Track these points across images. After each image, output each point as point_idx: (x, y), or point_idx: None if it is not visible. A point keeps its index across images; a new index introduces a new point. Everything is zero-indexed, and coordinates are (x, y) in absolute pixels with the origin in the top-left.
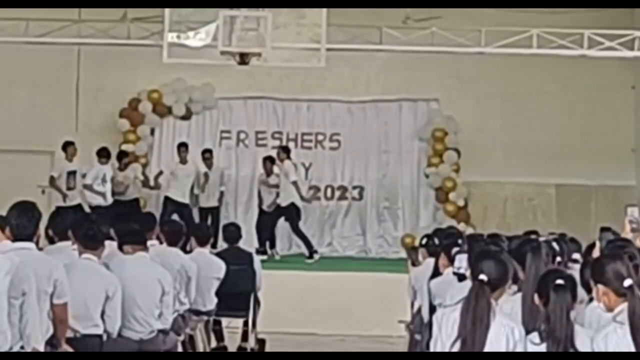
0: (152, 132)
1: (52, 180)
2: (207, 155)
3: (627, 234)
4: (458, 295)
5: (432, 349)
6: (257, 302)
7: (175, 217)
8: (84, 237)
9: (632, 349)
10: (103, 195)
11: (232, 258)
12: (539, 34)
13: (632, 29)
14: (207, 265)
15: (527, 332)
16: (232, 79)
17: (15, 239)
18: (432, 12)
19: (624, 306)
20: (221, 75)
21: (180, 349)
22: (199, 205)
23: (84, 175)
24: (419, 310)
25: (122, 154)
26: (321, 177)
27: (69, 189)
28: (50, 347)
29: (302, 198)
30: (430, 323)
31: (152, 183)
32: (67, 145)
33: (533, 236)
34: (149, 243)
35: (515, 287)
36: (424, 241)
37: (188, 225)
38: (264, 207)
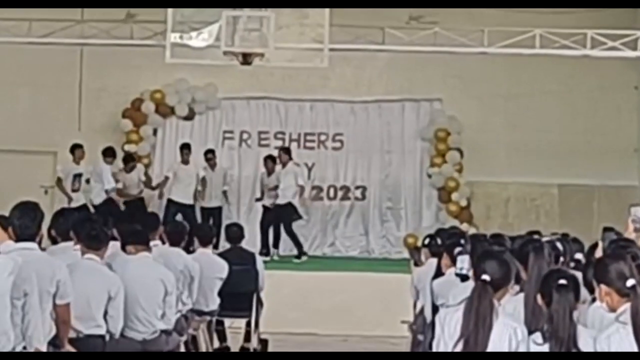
0: (155, 132)
1: (59, 182)
2: (209, 155)
3: (630, 234)
4: (461, 296)
5: (434, 349)
6: (259, 303)
7: (178, 217)
8: (87, 238)
9: (635, 349)
10: (111, 191)
11: (235, 258)
12: (542, 34)
13: (635, 29)
14: (209, 266)
15: (530, 332)
16: (235, 79)
17: (18, 239)
18: (434, 12)
19: (626, 306)
20: (224, 75)
21: (182, 349)
22: (201, 205)
23: (88, 180)
24: (422, 310)
25: (128, 157)
26: (324, 177)
27: (74, 191)
28: (53, 347)
29: (304, 202)
30: (433, 323)
31: (154, 184)
32: (75, 148)
33: (535, 236)
34: (152, 243)
35: (517, 287)
36: (426, 241)
37: (191, 226)
38: (266, 203)
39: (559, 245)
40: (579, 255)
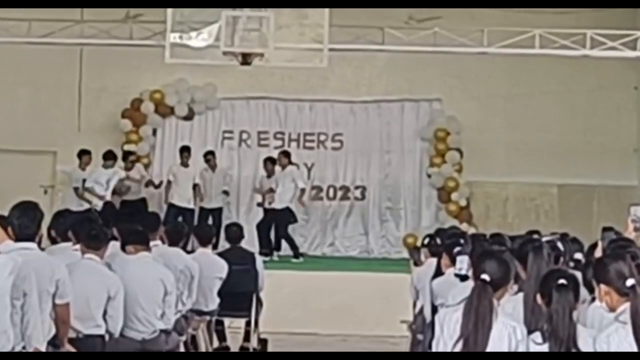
0: (155, 132)
1: (77, 191)
2: (208, 157)
3: (630, 234)
4: (460, 295)
5: (434, 349)
6: (259, 302)
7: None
8: (87, 237)
9: (635, 348)
10: (102, 198)
11: (235, 258)
12: (542, 34)
13: (634, 29)
14: (209, 265)
15: (530, 332)
16: (235, 79)
17: (17, 239)
18: (434, 12)
19: (626, 306)
20: (223, 75)
21: (182, 349)
22: (200, 206)
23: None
24: (422, 310)
25: (127, 153)
26: (323, 177)
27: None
28: (53, 347)
29: (301, 204)
30: (432, 323)
31: (156, 182)
32: (83, 154)
33: (535, 236)
34: (152, 244)
35: (515, 287)
36: (426, 241)
37: (190, 226)
38: (266, 205)
39: (558, 245)
40: (578, 255)
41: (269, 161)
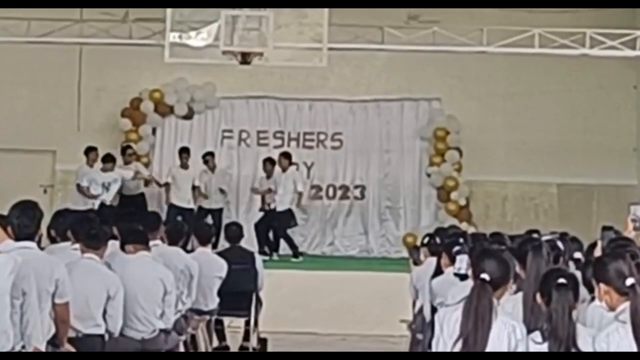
0: (154, 131)
1: (79, 188)
2: (207, 158)
3: (630, 233)
4: (460, 295)
5: (434, 349)
6: (259, 302)
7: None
8: (86, 237)
9: (634, 348)
10: (95, 197)
11: (234, 257)
12: (541, 34)
13: (634, 28)
14: (209, 265)
15: (529, 331)
16: (234, 79)
17: (17, 238)
18: (433, 11)
19: (626, 305)
20: (223, 74)
21: (182, 348)
22: (199, 205)
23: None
24: (421, 309)
25: (125, 148)
26: (323, 176)
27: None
28: (52, 346)
29: (301, 208)
30: (432, 322)
31: (161, 181)
32: (90, 151)
33: (534, 235)
34: (152, 243)
35: (514, 287)
36: (425, 240)
37: (190, 226)
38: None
39: (558, 244)
40: (578, 254)
41: (269, 162)
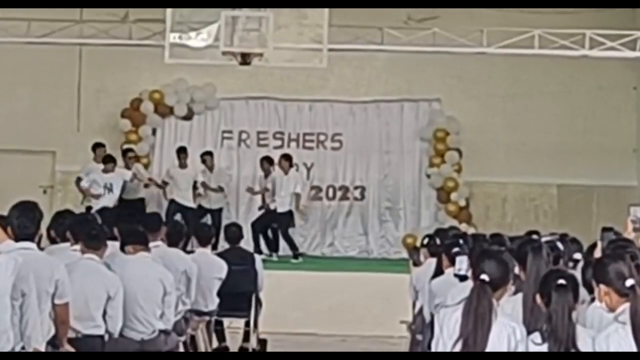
0: (154, 132)
1: (78, 182)
2: (205, 157)
3: (629, 234)
4: (459, 295)
5: (433, 349)
6: (258, 303)
7: (178, 217)
8: (87, 237)
9: (634, 349)
10: (97, 197)
11: (234, 258)
12: (541, 34)
13: (634, 29)
14: (208, 266)
15: (529, 332)
16: (234, 79)
17: (17, 238)
18: (433, 12)
19: (625, 306)
20: (223, 75)
21: (181, 349)
22: (199, 204)
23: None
24: (421, 310)
25: (126, 151)
26: (323, 177)
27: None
28: (52, 347)
29: (298, 209)
30: (431, 323)
31: (159, 182)
32: (97, 147)
33: (534, 236)
34: (153, 244)
35: (514, 288)
36: (425, 241)
37: (190, 226)
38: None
39: (558, 245)
40: (577, 255)
41: (266, 161)
